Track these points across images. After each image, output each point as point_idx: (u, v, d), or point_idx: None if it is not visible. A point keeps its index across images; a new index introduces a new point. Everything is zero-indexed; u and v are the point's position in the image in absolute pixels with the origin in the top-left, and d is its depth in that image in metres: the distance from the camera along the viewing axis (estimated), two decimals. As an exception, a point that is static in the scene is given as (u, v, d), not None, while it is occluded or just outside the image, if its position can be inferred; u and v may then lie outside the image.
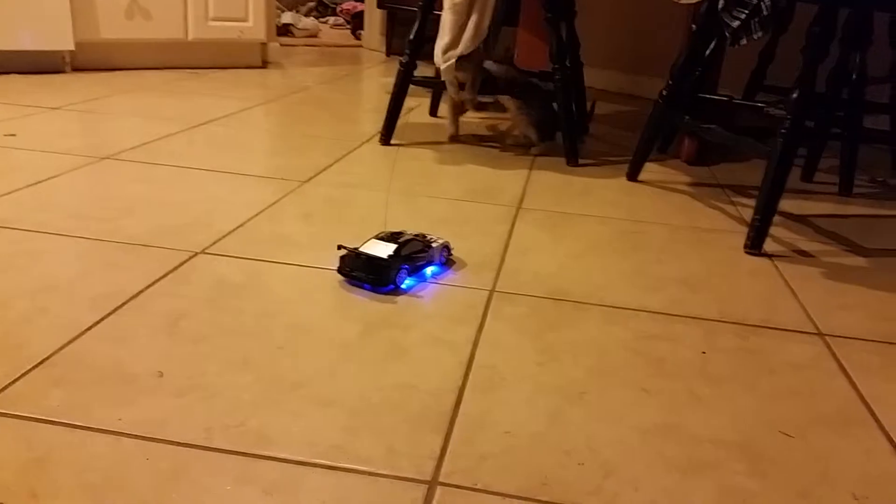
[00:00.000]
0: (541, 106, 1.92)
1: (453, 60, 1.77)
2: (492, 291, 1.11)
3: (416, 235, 1.16)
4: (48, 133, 1.84)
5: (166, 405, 0.78)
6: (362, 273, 1.09)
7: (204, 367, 0.85)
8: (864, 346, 1.03)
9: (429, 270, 1.15)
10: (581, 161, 1.91)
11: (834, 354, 1.00)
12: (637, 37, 3.02)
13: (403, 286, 1.09)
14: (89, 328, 0.92)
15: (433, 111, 2.37)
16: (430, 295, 1.09)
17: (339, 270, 1.11)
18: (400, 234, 1.15)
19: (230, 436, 0.74)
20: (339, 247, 1.12)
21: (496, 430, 0.78)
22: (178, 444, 0.72)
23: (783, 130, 1.29)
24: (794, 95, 1.30)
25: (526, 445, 0.76)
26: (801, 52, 1.32)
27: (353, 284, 1.09)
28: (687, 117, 1.61)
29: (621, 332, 1.02)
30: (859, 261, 1.36)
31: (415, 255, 1.12)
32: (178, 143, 1.83)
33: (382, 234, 1.14)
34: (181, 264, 1.12)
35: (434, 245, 1.17)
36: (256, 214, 1.35)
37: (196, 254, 1.16)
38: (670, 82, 1.65)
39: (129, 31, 2.72)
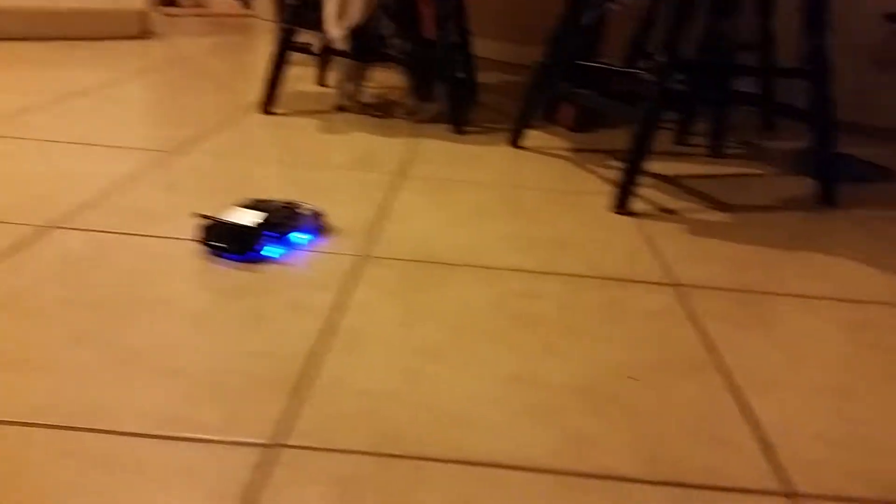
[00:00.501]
0: (424, 72, 1.91)
1: (344, 31, 1.74)
2: (363, 257, 1.10)
3: (285, 203, 1.13)
4: None
5: (-2, 384, 0.73)
6: (224, 242, 1.05)
7: (41, 342, 0.81)
8: (713, 294, 1.08)
9: (298, 238, 1.13)
10: (468, 129, 1.91)
11: (685, 304, 1.04)
12: (526, 7, 3.05)
13: (269, 254, 1.07)
14: (-86, 308, 0.85)
15: (320, 80, 2.32)
16: (296, 262, 1.06)
17: (200, 240, 1.07)
18: (266, 201, 1.12)
19: (65, 411, 0.70)
20: (200, 215, 1.08)
21: (351, 390, 0.77)
22: (5, 422, 0.68)
23: (648, 94, 1.33)
24: (659, 60, 1.34)
25: (381, 404, 0.76)
26: (666, 17, 1.36)
27: (216, 255, 1.06)
28: (563, 84, 1.63)
29: (488, 291, 1.03)
30: (721, 216, 1.43)
31: (282, 222, 1.10)
32: (42, 115, 1.72)
33: (247, 202, 1.11)
34: (28, 239, 1.05)
35: (303, 212, 1.14)
36: (116, 186, 1.29)
37: (45, 228, 1.10)
38: (548, 49, 1.67)
39: (-11, -2, 2.53)
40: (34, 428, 0.68)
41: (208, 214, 1.08)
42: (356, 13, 1.82)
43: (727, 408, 0.80)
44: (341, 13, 1.79)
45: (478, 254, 1.15)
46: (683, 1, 1.36)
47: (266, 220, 1.07)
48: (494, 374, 0.82)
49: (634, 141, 1.36)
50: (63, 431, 0.68)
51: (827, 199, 1.53)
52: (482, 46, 3.00)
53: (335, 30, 1.80)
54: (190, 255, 1.06)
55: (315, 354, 0.83)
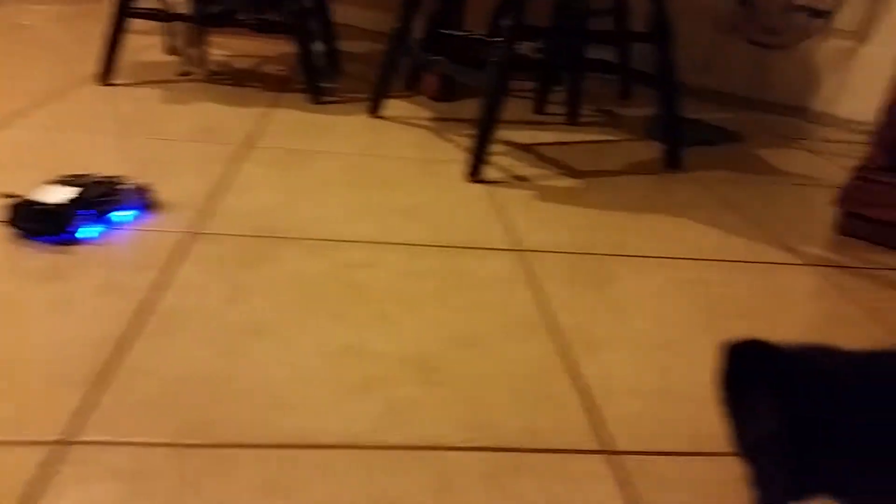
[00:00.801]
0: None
1: None
2: (192, 233, 1.04)
3: (103, 178, 1.05)
4: None
5: None
6: (34, 223, 0.96)
7: None
8: (555, 258, 1.10)
9: (118, 215, 1.05)
10: (327, 99, 1.85)
11: (528, 268, 1.05)
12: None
13: (84, 234, 0.99)
14: None
15: (168, 48, 2.18)
16: (115, 242, 0.99)
17: (8, 221, 0.97)
18: (82, 176, 1.03)
19: None
20: (6, 195, 0.98)
21: (159, 377, 0.72)
22: None
23: (494, 59, 1.32)
24: (504, 24, 1.33)
25: (191, 390, 0.71)
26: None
27: (26, 237, 0.97)
28: (424, 53, 1.61)
29: (324, 263, 0.99)
30: (572, 182, 1.45)
31: (99, 199, 1.01)
32: None
33: (61, 178, 1.02)
34: None
35: (125, 187, 1.06)
36: (-84, 165, 1.16)
37: None
38: (400, 16, 1.63)
39: None
40: None
41: (15, 193, 0.98)
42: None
43: (556, 369, 0.81)
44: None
45: (319, 226, 1.11)
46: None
47: (80, 197, 0.99)
48: (322, 349, 0.79)
49: (483, 108, 1.35)
50: None
51: (673, 163, 1.59)
52: (347, 14, 2.92)
53: None
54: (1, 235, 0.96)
55: (125, 339, 0.77)
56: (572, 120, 1.90)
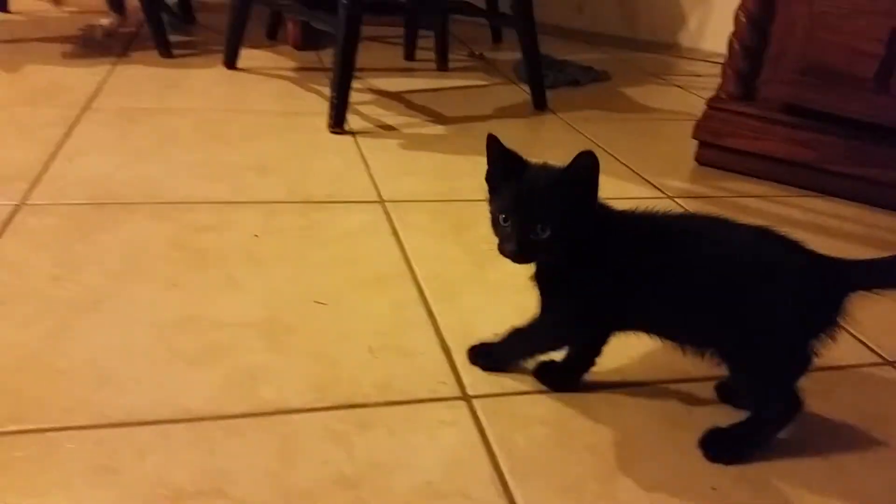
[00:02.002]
0: None
1: None
2: (18, 205, 0.94)
3: None
4: None
5: None
6: None
7: None
8: (419, 206, 1.07)
9: None
10: (179, 52, 1.73)
11: (390, 219, 1.02)
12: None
13: None
14: None
15: None
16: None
17: None
18: None
19: None
20: None
21: (-30, 364, 0.65)
22: None
23: (343, 2, 1.25)
24: (354, -36, 1.27)
25: (10, 375, 0.64)
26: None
27: None
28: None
29: (168, 228, 0.93)
30: (439, 129, 1.42)
31: None
32: None
33: None
34: None
35: None
36: None
37: None
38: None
39: None
40: None
41: None
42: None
43: (414, 320, 0.79)
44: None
45: (164, 189, 1.03)
46: None
47: None
48: (157, 321, 0.74)
49: (338, 55, 1.29)
50: None
51: (539, 104, 1.59)
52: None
53: None
54: None
55: (-72, 328, 0.69)
56: (443, 66, 1.86)
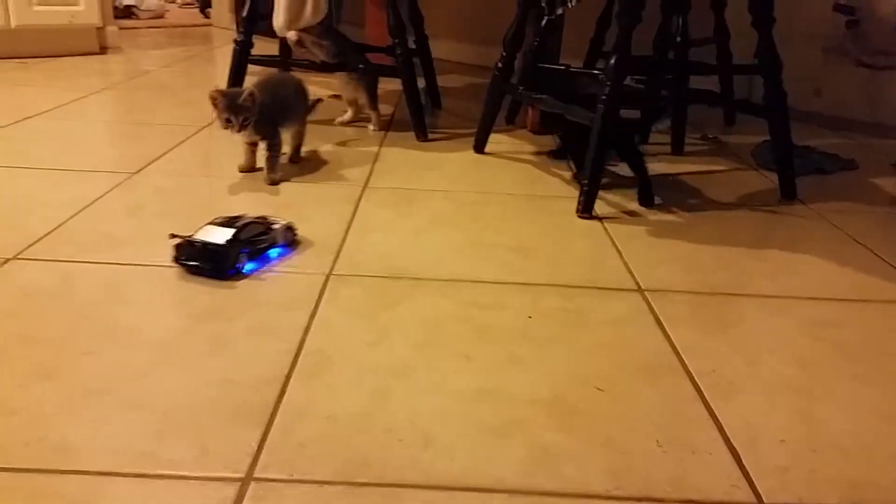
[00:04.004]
0: (373, 77, 1.90)
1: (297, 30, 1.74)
2: (328, 274, 1.10)
3: (257, 218, 1.14)
4: None
5: (-42, 428, 0.72)
6: (198, 261, 1.05)
7: (2, 381, 0.80)
8: (679, 297, 1.10)
9: (272, 253, 1.13)
10: (431, 136, 1.92)
11: (651, 308, 1.06)
12: (486, 8, 3.06)
13: (242, 270, 1.07)
14: None
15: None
16: (260, 283, 1.06)
17: (175, 260, 1.07)
18: (238, 217, 1.12)
19: (28, 452, 0.69)
20: (172, 235, 1.07)
21: (318, 416, 0.77)
22: (-30, 468, 0.67)
23: (603, 96, 1.34)
24: (612, 61, 1.35)
25: (347, 428, 0.76)
26: (615, 17, 1.38)
27: (191, 273, 1.06)
28: (521, 88, 1.64)
29: (451, 304, 1.03)
30: (684, 217, 1.45)
31: (255, 238, 1.10)
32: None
33: (219, 220, 1.11)
34: (-15, 273, 1.04)
35: (276, 227, 1.15)
36: (77, 212, 1.27)
37: (6, 260, 1.08)
38: (503, 53, 1.68)
39: (-63, 19, 2.47)
40: (4, 473, 0.67)
41: (180, 234, 1.07)
42: (310, 14, 1.80)
43: (694, 415, 0.81)
44: (295, 15, 1.79)
45: (441, 265, 1.16)
46: (633, 1, 1.38)
47: (237, 236, 1.07)
48: (460, 391, 0.83)
49: (594, 144, 1.37)
50: (31, 474, 0.67)
51: (788, 194, 1.56)
52: (445, 49, 3.00)
53: (288, 32, 1.79)
54: (154, 281, 1.05)
55: (281, 380, 0.83)
56: (677, 149, 1.89)
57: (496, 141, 1.89)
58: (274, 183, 1.47)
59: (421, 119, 1.89)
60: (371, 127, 1.93)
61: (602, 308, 1.05)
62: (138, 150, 1.67)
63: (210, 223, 1.09)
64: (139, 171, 1.52)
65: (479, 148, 1.81)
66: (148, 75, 2.58)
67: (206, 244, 1.05)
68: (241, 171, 1.52)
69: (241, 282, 1.06)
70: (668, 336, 0.98)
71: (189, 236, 1.07)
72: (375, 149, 1.79)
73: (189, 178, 1.50)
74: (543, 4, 1.39)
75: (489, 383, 0.85)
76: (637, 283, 1.13)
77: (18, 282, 1.02)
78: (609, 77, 1.33)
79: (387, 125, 1.99)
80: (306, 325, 0.95)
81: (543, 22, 1.80)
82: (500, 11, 3.01)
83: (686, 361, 0.92)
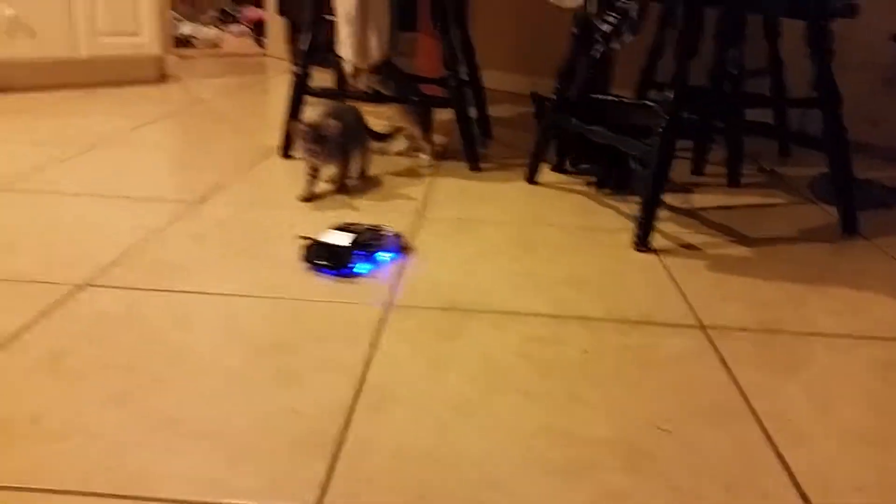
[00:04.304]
0: (427, 108, 1.93)
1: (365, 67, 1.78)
2: (387, 305, 1.11)
3: (371, 226, 1.31)
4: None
5: (42, 451, 0.75)
6: (323, 259, 1.20)
7: (81, 407, 0.82)
8: (743, 335, 1.08)
9: (383, 256, 1.26)
10: (483, 165, 1.93)
11: (714, 346, 1.04)
12: (535, 39, 3.08)
13: (359, 270, 1.21)
14: (-46, 376, 0.87)
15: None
16: (324, 314, 1.08)
17: (304, 258, 1.22)
18: (355, 224, 1.30)
19: (109, 478, 0.71)
20: (302, 237, 1.24)
21: (383, 450, 0.78)
22: (55, 491, 0.70)
23: (660, 129, 1.34)
24: (669, 94, 1.35)
25: (412, 464, 0.76)
26: (673, 51, 1.38)
27: (316, 270, 1.20)
28: (574, 119, 1.65)
29: (509, 337, 1.04)
30: (742, 251, 1.43)
31: (369, 242, 1.25)
32: (66, 168, 1.76)
33: (340, 225, 1.28)
34: (62, 299, 1.07)
35: (387, 234, 1.30)
36: (145, 241, 1.31)
37: (78, 287, 1.12)
38: (557, 86, 1.69)
39: (11, 51, 2.59)
40: (79, 497, 0.69)
41: (309, 236, 1.24)
42: (374, 53, 1.84)
43: (764, 461, 0.80)
44: (363, 50, 1.82)
45: (496, 297, 1.16)
46: (689, 34, 1.38)
47: (356, 240, 1.23)
48: (523, 429, 0.83)
49: (650, 177, 1.36)
50: (107, 499, 0.69)
51: (849, 228, 1.53)
52: (495, 79, 3.03)
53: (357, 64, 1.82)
54: (218, 310, 1.07)
55: (346, 412, 0.84)
56: (733, 181, 1.87)
57: (546, 172, 1.90)
58: (309, 199, 1.58)
59: (473, 149, 1.90)
60: (424, 157, 1.95)
61: (663, 345, 1.04)
62: (199, 178, 1.72)
63: (332, 227, 1.27)
64: (201, 199, 1.56)
65: (531, 178, 1.82)
66: (206, 104, 2.65)
67: (329, 245, 1.21)
68: (302, 200, 1.56)
69: (304, 310, 1.08)
70: (734, 376, 0.96)
71: (315, 238, 1.23)
72: (429, 178, 1.81)
73: (249, 206, 1.54)
74: (599, 38, 1.39)
75: (551, 422, 0.84)
76: (698, 320, 1.12)
77: (91, 308, 1.06)
78: (666, 110, 1.33)
79: (440, 155, 2.01)
80: (367, 356, 0.96)
81: (595, 54, 1.81)
82: (548, 42, 3.03)
83: (752, 403, 0.90)
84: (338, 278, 1.18)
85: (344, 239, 1.22)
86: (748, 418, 0.87)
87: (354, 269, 1.20)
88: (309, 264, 1.21)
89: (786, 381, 0.96)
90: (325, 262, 1.20)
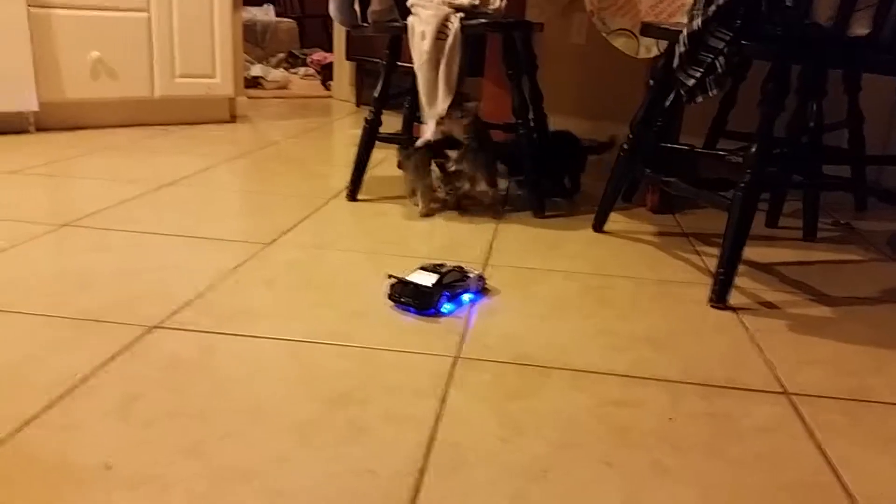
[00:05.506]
0: (492, 152, 1.91)
1: (436, 121, 1.77)
2: (456, 357, 1.09)
3: (455, 266, 1.32)
4: (4, 200, 1.80)
5: (114, 499, 0.75)
6: (409, 298, 1.24)
7: (154, 455, 0.82)
8: (831, 404, 1.02)
9: (466, 297, 1.30)
10: (548, 212, 1.91)
11: (800, 415, 0.99)
12: (599, 84, 3.07)
13: (444, 310, 1.24)
14: (34, 417, 0.88)
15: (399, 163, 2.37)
16: (392, 364, 1.06)
17: (389, 297, 1.25)
18: (441, 265, 1.31)
19: (177, 534, 0.70)
20: (389, 276, 1.27)
21: (456, 515, 0.75)
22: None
23: (742, 185, 1.30)
24: (753, 150, 1.31)
25: (486, 532, 0.73)
26: (757, 106, 1.34)
27: (401, 309, 1.24)
28: (648, 170, 1.62)
29: (585, 398, 1.00)
30: (824, 310, 1.36)
31: (454, 283, 1.28)
32: (140, 206, 1.81)
33: (426, 266, 1.30)
34: (134, 341, 1.09)
35: (471, 275, 1.32)
36: (216, 283, 1.33)
37: (150, 328, 1.13)
38: (630, 136, 1.66)
39: (94, 91, 2.71)
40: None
41: (396, 275, 1.26)
42: (443, 98, 1.84)
43: (861, 545, 0.74)
44: (430, 103, 1.82)
45: (569, 354, 1.13)
46: (777, 91, 1.34)
47: (441, 280, 1.25)
48: (602, 501, 0.79)
49: (731, 233, 1.32)
50: (176, 558, 0.68)
51: (937, 290, 1.45)
52: (558, 123, 3.02)
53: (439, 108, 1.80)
54: (289, 357, 1.07)
55: (416, 473, 0.82)
56: (809, 236, 1.80)
57: (614, 220, 1.86)
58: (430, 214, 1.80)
59: (539, 196, 1.88)
60: (488, 202, 1.94)
61: (747, 413, 0.99)
62: (270, 220, 1.74)
63: (419, 268, 1.29)
64: (272, 242, 1.58)
65: (599, 227, 1.79)
66: (276, 146, 2.72)
67: (416, 285, 1.24)
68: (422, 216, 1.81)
69: (373, 358, 1.06)
70: (823, 451, 0.91)
71: (402, 278, 1.26)
72: (494, 224, 1.80)
73: (320, 250, 1.55)
74: (683, 93, 1.37)
75: (635, 495, 0.80)
76: (782, 386, 1.06)
77: (162, 351, 1.07)
78: (750, 165, 1.29)
79: (504, 201, 2.00)
80: (437, 411, 0.94)
81: (668, 103, 1.78)
82: (612, 89, 3.02)
83: (846, 482, 0.84)
84: (420, 317, 1.21)
85: (429, 279, 1.25)
86: (841, 495, 0.82)
87: (435, 309, 1.22)
88: (393, 303, 1.25)
89: (881, 456, 0.90)
90: (409, 301, 1.23)
